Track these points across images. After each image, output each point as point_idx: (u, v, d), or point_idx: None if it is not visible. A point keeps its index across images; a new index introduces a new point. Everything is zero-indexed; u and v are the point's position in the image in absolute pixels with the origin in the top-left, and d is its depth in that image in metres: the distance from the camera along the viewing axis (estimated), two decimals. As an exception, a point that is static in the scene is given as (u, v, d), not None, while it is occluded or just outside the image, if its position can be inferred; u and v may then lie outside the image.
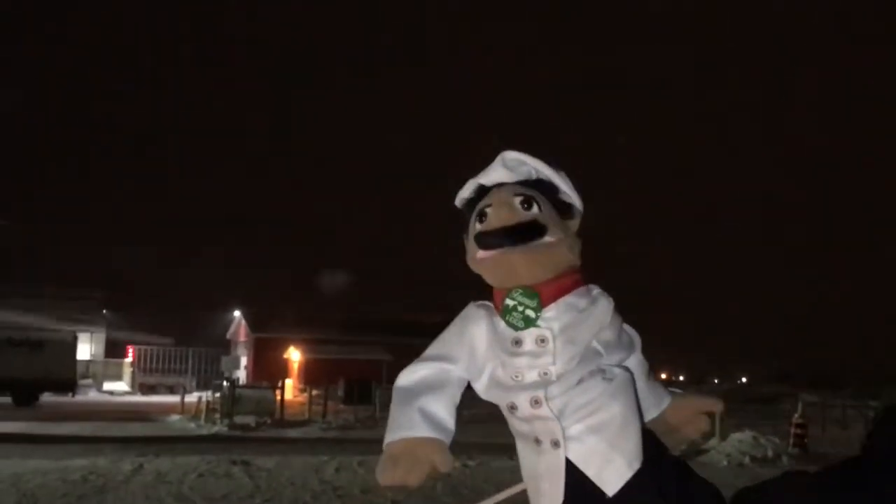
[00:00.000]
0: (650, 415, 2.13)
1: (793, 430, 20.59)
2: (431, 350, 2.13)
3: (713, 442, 18.73)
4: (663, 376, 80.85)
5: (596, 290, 2.09)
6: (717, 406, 2.32)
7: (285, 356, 53.82)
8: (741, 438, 19.26)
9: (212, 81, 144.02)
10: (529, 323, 1.99)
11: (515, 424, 2.04)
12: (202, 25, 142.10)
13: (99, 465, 14.57)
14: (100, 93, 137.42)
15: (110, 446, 18.29)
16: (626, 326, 2.14)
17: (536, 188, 2.07)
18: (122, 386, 50.86)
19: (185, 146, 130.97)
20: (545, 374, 1.98)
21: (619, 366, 2.06)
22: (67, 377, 39.12)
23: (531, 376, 1.99)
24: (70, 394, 39.50)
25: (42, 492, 12.02)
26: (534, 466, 2.01)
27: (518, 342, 2.01)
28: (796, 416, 21.09)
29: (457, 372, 2.07)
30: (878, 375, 60.08)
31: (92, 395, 45.49)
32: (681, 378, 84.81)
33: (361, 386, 37.73)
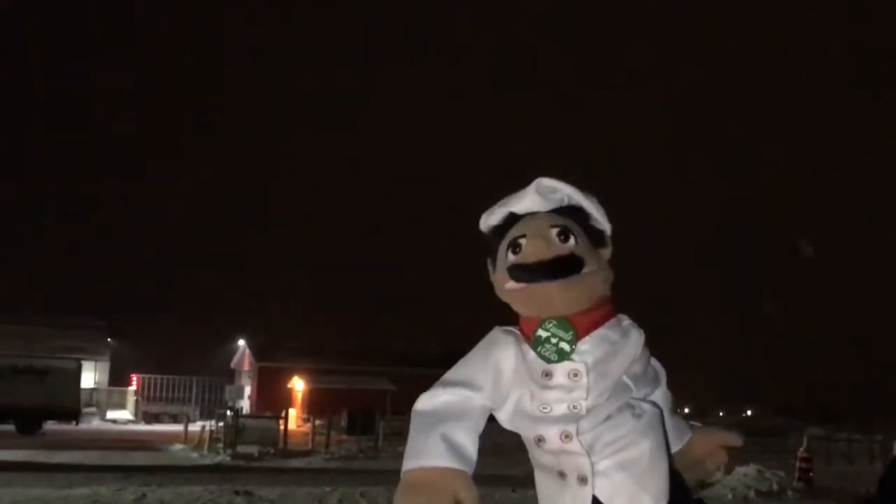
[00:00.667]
0: (673, 448, 2.09)
1: (798, 463, 20.47)
2: (454, 374, 2.05)
3: (718, 476, 18.61)
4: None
5: (627, 322, 2.05)
6: (737, 441, 2.28)
7: (289, 386, 53.71)
8: (746, 472, 19.15)
9: (219, 112, 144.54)
10: (563, 356, 1.95)
11: (539, 457, 2.00)
12: (202, 50, 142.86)
13: (102, 495, 14.51)
14: (103, 120, 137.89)
15: (113, 475, 18.22)
16: (652, 359, 2.11)
17: (569, 215, 2.03)
18: (125, 414, 50.73)
19: (189, 173, 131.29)
20: (575, 407, 1.94)
21: (647, 400, 2.04)
22: (71, 405, 39.05)
23: (560, 409, 1.95)
24: (73, 422, 39.38)
25: (44, 521, 11.98)
26: (555, 500, 1.98)
27: (549, 374, 1.96)
28: (801, 449, 20.98)
29: (480, 400, 1.99)
30: (884, 409, 59.85)
31: (95, 424, 45.40)
32: (686, 410, 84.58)
33: (365, 416, 37.65)
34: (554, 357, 1.95)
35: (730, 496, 17.46)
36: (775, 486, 18.55)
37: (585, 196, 2.06)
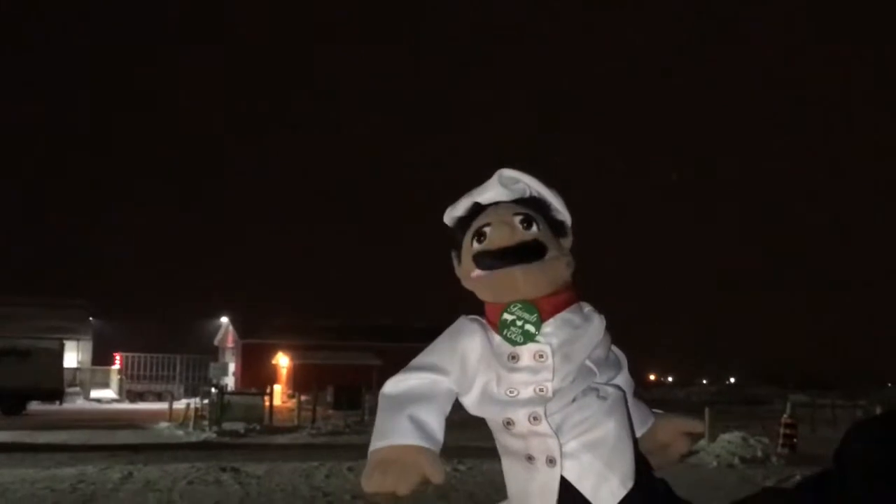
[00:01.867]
0: (637, 433, 2.11)
1: (782, 430, 20.62)
2: (421, 360, 2.08)
3: (702, 443, 18.75)
4: (651, 378, 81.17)
5: (588, 308, 2.08)
6: (699, 428, 2.32)
7: (274, 362, 53.74)
8: (730, 439, 19.28)
9: (203, 89, 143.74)
10: (529, 338, 1.97)
11: (507, 441, 2.02)
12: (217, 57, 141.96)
13: (88, 474, 14.51)
14: (85, 102, 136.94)
15: (99, 454, 18.22)
16: (613, 346, 2.13)
17: (531, 206, 2.07)
18: (109, 394, 50.69)
19: (173, 153, 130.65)
20: (541, 390, 1.96)
21: (611, 384, 2.05)
22: (55, 386, 39.00)
23: (527, 392, 1.97)
24: (57, 402, 39.34)
25: (30, 501, 11.97)
26: (525, 484, 1.99)
27: (515, 357, 1.98)
28: (785, 416, 21.13)
29: (447, 384, 2.02)
30: (867, 375, 60.36)
31: (79, 404, 45.35)
32: (669, 379, 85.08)
33: (350, 391, 37.66)
34: (520, 339, 1.97)
35: (714, 463, 17.57)
36: (759, 453, 18.68)
37: (546, 187, 2.10)
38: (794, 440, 20.48)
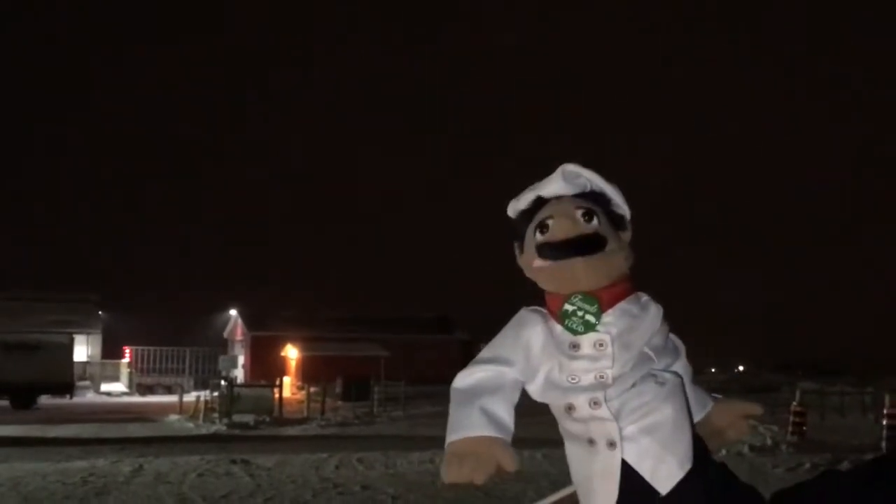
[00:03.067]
0: (695, 418, 2.19)
1: (791, 418, 20.59)
2: (487, 353, 2.16)
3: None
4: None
5: (645, 298, 2.16)
6: (758, 410, 2.40)
7: (283, 354, 53.82)
8: (736, 444, 19.24)
9: (206, 86, 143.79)
10: (589, 327, 2.05)
11: (569, 426, 2.10)
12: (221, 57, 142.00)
13: (98, 467, 14.56)
14: (92, 93, 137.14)
15: (109, 447, 18.28)
16: (671, 334, 2.21)
17: (592, 200, 2.14)
18: (119, 387, 50.78)
19: (181, 147, 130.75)
20: (602, 377, 2.03)
21: (669, 371, 2.13)
22: (65, 379, 39.13)
23: (588, 379, 2.04)
24: (68, 396, 39.48)
25: (42, 494, 12.01)
26: (587, 467, 2.07)
27: (576, 346, 2.06)
28: (794, 404, 21.09)
29: (513, 374, 2.10)
30: (876, 362, 60.21)
31: (89, 397, 45.46)
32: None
33: (359, 383, 37.71)
34: (581, 329, 2.05)
35: (723, 451, 17.54)
36: (769, 441, 18.67)
37: (607, 182, 2.18)
38: (804, 428, 20.46)
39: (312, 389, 33.75)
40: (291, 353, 53.47)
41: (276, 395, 30.67)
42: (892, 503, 1.73)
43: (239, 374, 52.60)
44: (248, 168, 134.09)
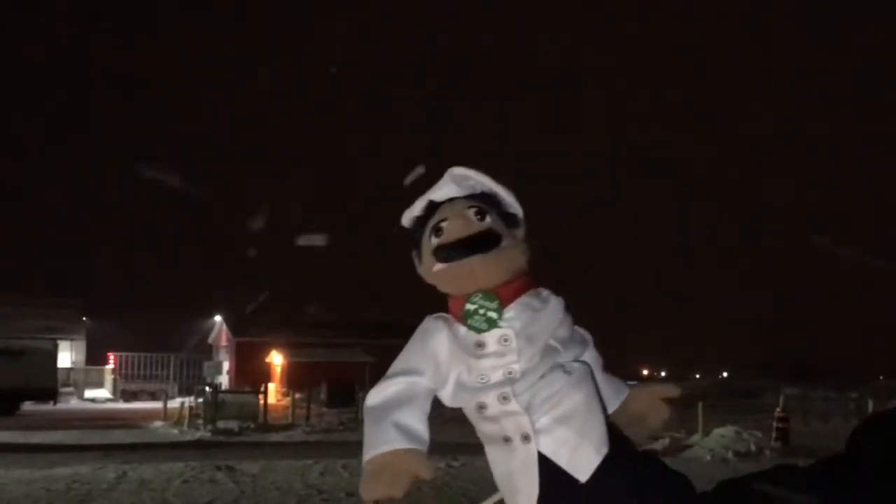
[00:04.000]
0: (611, 406, 2.18)
1: (775, 423, 20.67)
2: (396, 366, 2.17)
3: (696, 437, 18.83)
4: (645, 372, 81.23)
5: (546, 292, 2.16)
6: (674, 391, 2.37)
7: (267, 360, 53.69)
8: (723, 433, 19.34)
9: (194, 84, 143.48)
10: (492, 324, 2.05)
11: (483, 427, 2.09)
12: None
13: (82, 474, 14.51)
14: (79, 98, 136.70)
15: (93, 454, 18.22)
16: (577, 326, 2.20)
17: (483, 201, 2.16)
18: (103, 393, 50.60)
19: (166, 151, 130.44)
20: (510, 372, 2.03)
21: (577, 360, 2.12)
22: (48, 385, 38.95)
23: (496, 376, 2.04)
24: (51, 402, 39.26)
25: (26, 501, 11.97)
26: (507, 465, 2.05)
27: (481, 345, 2.06)
28: (778, 409, 21.18)
29: (424, 383, 2.11)
30: (858, 367, 60.46)
31: (73, 403, 45.31)
32: (662, 374, 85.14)
33: (344, 389, 37.70)
34: (484, 326, 2.05)
35: (708, 457, 17.63)
36: (753, 447, 18.74)
37: (496, 183, 2.18)
38: (787, 433, 20.54)
39: (297, 395, 33.72)
40: (276, 359, 53.37)
41: (261, 402, 30.63)
42: (834, 501, 1.75)
43: (223, 380, 52.44)
44: (234, 171, 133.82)
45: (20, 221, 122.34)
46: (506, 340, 2.04)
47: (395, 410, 2.05)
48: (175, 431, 26.96)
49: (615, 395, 2.24)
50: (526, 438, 2.01)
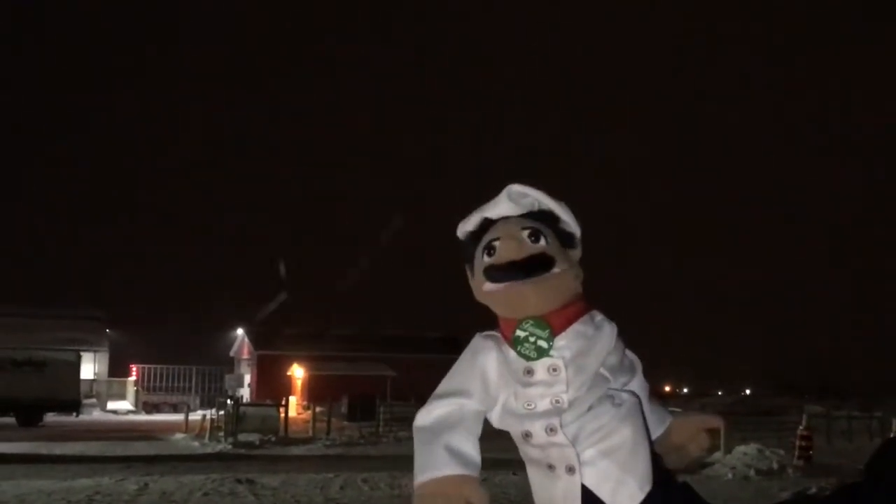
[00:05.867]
0: (654, 434, 2.17)
1: (798, 442, 20.50)
2: (444, 386, 2.15)
3: (718, 455, 18.68)
4: (667, 389, 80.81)
5: (599, 317, 2.13)
6: (717, 423, 2.37)
7: (289, 373, 53.73)
8: (746, 451, 19.19)
9: (214, 90, 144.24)
10: (542, 353, 2.03)
11: (528, 451, 2.08)
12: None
13: (104, 485, 14.54)
14: (98, 109, 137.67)
15: (115, 466, 18.26)
16: (627, 350, 2.18)
17: (540, 220, 2.12)
18: (125, 405, 50.80)
19: (187, 163, 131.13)
20: (557, 401, 2.02)
21: (626, 390, 2.11)
22: (71, 397, 39.08)
23: (543, 405, 2.03)
24: (74, 414, 39.39)
25: (47, 512, 12.00)
26: (549, 492, 2.05)
27: (530, 372, 2.04)
28: (801, 427, 21.00)
29: (473, 405, 2.09)
30: (883, 385, 59.92)
31: (96, 415, 45.47)
32: (684, 390, 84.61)
33: (365, 402, 37.65)
34: (533, 355, 2.03)
35: (730, 475, 17.49)
36: (775, 465, 18.58)
37: (554, 201, 2.16)
38: (810, 452, 20.37)
39: (318, 409, 33.72)
40: (297, 372, 53.41)
41: (282, 415, 30.64)
42: None
43: (245, 392, 52.54)
44: (255, 185, 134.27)
45: (44, 234, 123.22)
46: (555, 370, 2.02)
47: (447, 433, 2.04)
48: (196, 444, 27.02)
49: (659, 423, 2.22)
50: (570, 470, 2.00)
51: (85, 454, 21.83)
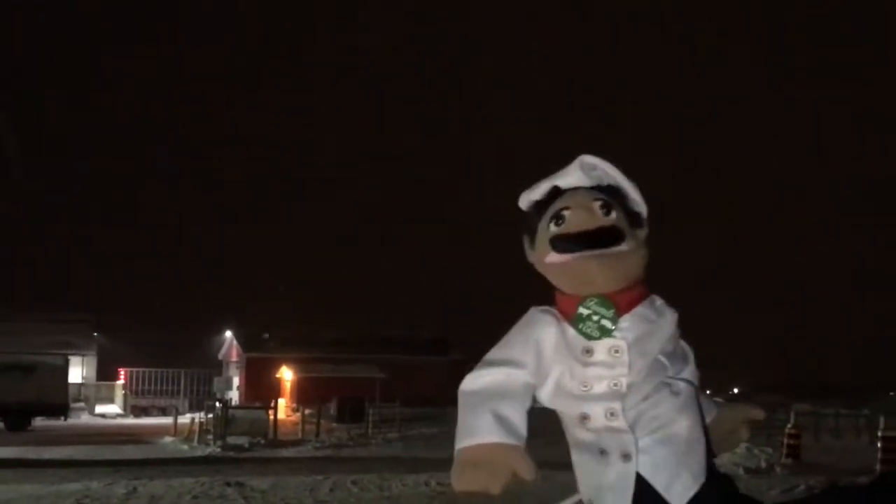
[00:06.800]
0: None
1: (786, 440, 20.55)
2: (496, 354, 2.07)
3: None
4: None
5: (659, 302, 2.09)
6: (760, 415, 2.38)
7: (277, 376, 53.65)
8: (734, 450, 19.22)
9: (202, 92, 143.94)
10: (605, 333, 1.98)
11: (580, 434, 2.03)
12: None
13: (92, 489, 14.49)
14: (85, 111, 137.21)
15: (103, 470, 18.19)
16: (680, 339, 2.15)
17: (609, 194, 2.06)
18: (114, 409, 50.61)
19: (173, 164, 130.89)
20: (616, 385, 1.97)
21: (682, 378, 2.07)
22: (59, 401, 38.94)
23: (601, 387, 1.98)
24: (62, 418, 39.24)
25: (36, 517, 11.97)
26: (598, 478, 2.00)
27: (589, 351, 1.99)
28: (789, 426, 21.05)
29: (524, 377, 2.02)
30: (870, 383, 60.15)
31: (84, 419, 45.27)
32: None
33: (354, 404, 37.62)
34: (596, 334, 1.97)
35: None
36: (763, 463, 18.64)
37: (625, 177, 2.10)
38: (799, 450, 20.43)
39: (307, 411, 33.67)
40: (286, 374, 53.34)
41: (271, 417, 30.57)
42: None
43: (234, 395, 52.46)
44: (243, 187, 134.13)
45: (31, 238, 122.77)
46: (617, 352, 1.97)
47: (495, 400, 1.95)
48: (185, 447, 26.95)
49: (707, 412, 2.19)
50: (626, 457, 1.95)
51: (73, 458, 21.76)
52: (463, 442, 1.91)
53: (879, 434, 18.82)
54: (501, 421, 1.91)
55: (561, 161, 2.10)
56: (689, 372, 2.12)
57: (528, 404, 2.00)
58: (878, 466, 18.01)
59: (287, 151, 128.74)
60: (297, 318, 61.10)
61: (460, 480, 1.88)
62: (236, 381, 56.74)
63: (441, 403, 42.85)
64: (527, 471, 1.86)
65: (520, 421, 1.95)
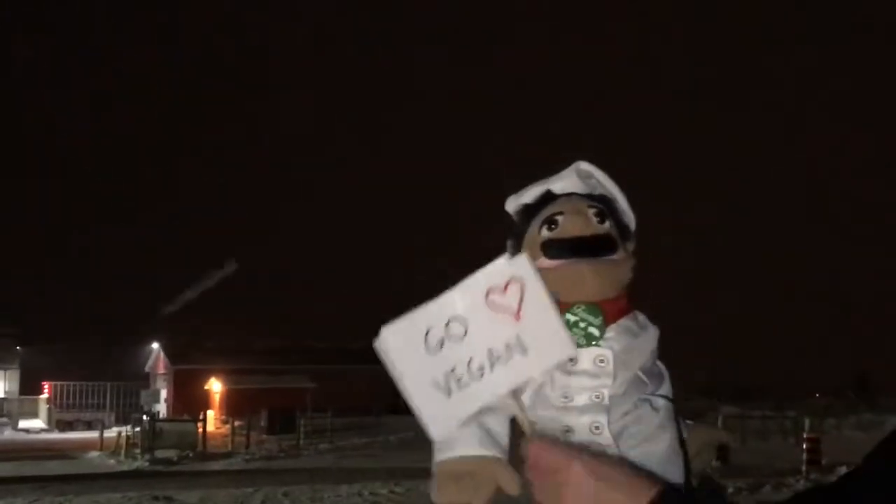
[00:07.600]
0: None
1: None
2: None
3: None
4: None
5: (642, 317, 2.05)
6: (727, 439, 2.36)
7: (206, 387, 53.15)
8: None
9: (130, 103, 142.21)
10: (591, 340, 1.92)
11: None
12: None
13: (16, 507, 14.23)
14: (24, 121, 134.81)
15: (28, 486, 17.88)
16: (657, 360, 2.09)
17: (601, 203, 2.03)
18: (38, 423, 49.88)
19: (98, 172, 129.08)
20: (598, 397, 1.92)
21: (660, 395, 2.02)
22: (-19, 417, 38.28)
23: (582, 399, 1.92)
24: (-16, 433, 38.58)
25: (-43, 536, 11.71)
26: None
27: (573, 359, 1.90)
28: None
29: None
30: (796, 385, 61.31)
31: (7, 434, 44.54)
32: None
33: (285, 415, 37.38)
34: (583, 341, 1.91)
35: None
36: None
37: (617, 188, 2.06)
38: (727, 452, 20.71)
39: (237, 423, 33.42)
40: (215, 386, 52.87)
41: (200, 430, 30.30)
42: None
43: (161, 408, 51.85)
44: (172, 195, 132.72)
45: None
46: (602, 361, 1.92)
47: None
48: (112, 461, 26.60)
49: (683, 430, 2.12)
50: None
51: (-4, 475, 21.35)
52: (444, 454, 1.83)
53: (805, 435, 19.18)
54: (484, 432, 1.85)
55: (558, 159, 2.06)
56: (666, 389, 2.07)
57: (510, 415, 1.87)
58: (803, 467, 18.36)
59: (210, 162, 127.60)
60: (226, 330, 60.63)
61: (441, 494, 1.79)
62: (164, 393, 56.07)
63: (374, 413, 42.92)
64: (511, 485, 1.78)
65: (503, 433, 1.88)
